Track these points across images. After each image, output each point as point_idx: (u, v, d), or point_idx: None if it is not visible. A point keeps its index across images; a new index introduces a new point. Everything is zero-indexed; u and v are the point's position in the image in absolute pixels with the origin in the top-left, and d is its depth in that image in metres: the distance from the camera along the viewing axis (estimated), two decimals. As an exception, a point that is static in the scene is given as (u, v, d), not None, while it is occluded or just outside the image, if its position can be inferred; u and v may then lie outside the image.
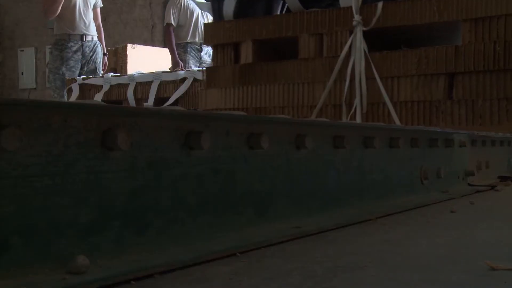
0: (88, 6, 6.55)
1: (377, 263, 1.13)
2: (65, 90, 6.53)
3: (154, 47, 9.60)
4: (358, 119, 4.09)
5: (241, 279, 0.99)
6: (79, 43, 6.56)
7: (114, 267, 0.97)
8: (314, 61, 4.49)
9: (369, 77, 4.19)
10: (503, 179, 2.99)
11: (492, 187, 2.64)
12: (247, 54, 4.78)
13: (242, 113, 1.35)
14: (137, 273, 0.96)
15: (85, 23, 6.54)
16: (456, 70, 3.92)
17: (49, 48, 7.87)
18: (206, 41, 5.28)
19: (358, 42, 4.26)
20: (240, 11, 4.85)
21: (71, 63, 6.56)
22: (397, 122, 3.96)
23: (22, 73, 11.66)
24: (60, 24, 6.58)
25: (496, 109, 3.83)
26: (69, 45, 6.51)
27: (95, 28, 6.63)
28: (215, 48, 5.07)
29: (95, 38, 6.64)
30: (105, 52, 6.89)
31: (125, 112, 1.07)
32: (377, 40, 4.30)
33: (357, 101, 4.22)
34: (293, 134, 1.50)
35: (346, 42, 4.28)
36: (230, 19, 4.87)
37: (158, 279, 0.98)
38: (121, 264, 0.98)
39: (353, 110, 4.21)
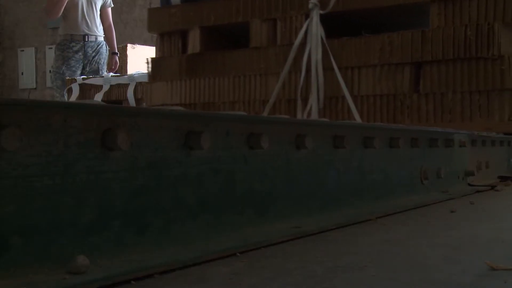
0: (92, 7, 6.56)
1: (377, 263, 1.13)
2: (65, 90, 6.53)
3: (154, 47, 9.56)
4: (314, 116, 3.77)
5: (241, 279, 1.00)
6: (81, 43, 6.57)
7: (114, 267, 0.97)
8: (267, 50, 4.10)
9: (327, 68, 3.85)
10: (503, 179, 2.98)
11: (492, 187, 2.63)
12: (194, 43, 4.40)
13: (242, 113, 1.35)
14: (137, 273, 0.96)
15: (87, 23, 6.54)
16: (423, 59, 3.60)
17: (49, 48, 7.87)
18: (150, 29, 4.78)
19: (315, 27, 3.89)
20: (189, -5, 4.15)
21: (72, 62, 6.56)
22: (358, 118, 3.66)
23: (22, 73, 11.66)
24: (64, 25, 6.60)
25: (467, 103, 3.53)
26: (71, 45, 6.52)
27: (100, 28, 6.63)
28: (161, 37, 4.68)
29: (100, 39, 6.65)
30: (116, 51, 6.88)
31: (125, 112, 1.06)
32: (336, 26, 3.97)
33: (313, 95, 3.86)
34: (293, 134, 1.50)
35: (301, 28, 3.92)
36: (177, 3, 4.50)
37: (158, 279, 0.98)
38: (121, 264, 0.99)
39: (309, 105, 3.86)
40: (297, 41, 3.88)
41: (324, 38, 3.83)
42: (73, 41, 6.62)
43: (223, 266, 1.13)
